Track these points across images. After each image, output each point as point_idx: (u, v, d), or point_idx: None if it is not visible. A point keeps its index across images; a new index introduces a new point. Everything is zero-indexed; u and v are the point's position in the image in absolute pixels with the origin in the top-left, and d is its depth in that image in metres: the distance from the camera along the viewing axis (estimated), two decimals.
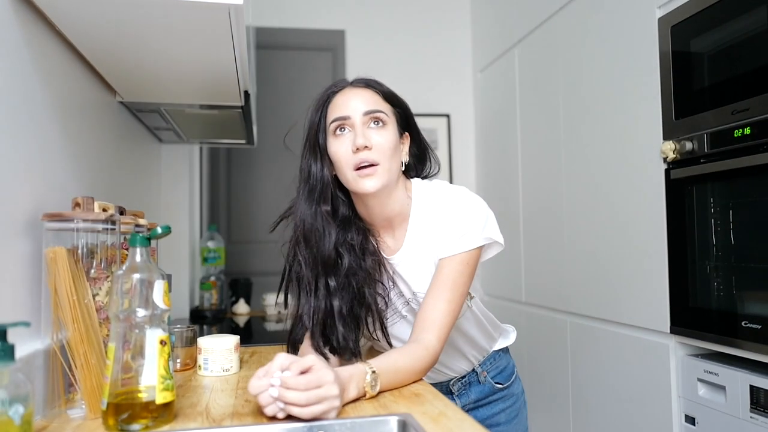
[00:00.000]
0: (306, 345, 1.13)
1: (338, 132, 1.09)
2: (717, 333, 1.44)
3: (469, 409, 1.28)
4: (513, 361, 1.35)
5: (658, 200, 1.63)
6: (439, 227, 1.10)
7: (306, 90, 2.59)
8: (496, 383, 1.28)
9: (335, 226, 1.11)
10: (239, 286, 2.49)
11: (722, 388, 1.43)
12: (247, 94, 1.59)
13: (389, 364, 0.97)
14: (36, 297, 0.93)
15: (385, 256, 1.15)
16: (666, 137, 1.60)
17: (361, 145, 1.05)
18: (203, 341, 1.18)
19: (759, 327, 1.32)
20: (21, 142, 0.93)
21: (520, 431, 1.31)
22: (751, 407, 1.35)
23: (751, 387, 1.35)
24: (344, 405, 0.87)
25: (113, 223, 0.98)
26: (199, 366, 1.18)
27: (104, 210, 1.01)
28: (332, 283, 1.10)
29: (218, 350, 1.17)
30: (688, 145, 1.51)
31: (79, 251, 0.94)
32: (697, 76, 1.52)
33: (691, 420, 1.54)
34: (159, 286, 0.83)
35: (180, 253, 2.28)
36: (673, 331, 1.58)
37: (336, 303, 1.09)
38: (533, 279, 2.43)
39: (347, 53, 3.09)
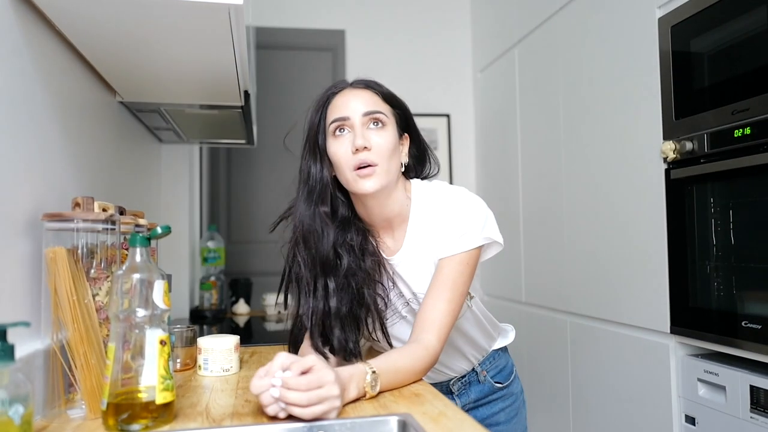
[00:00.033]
0: (306, 345, 1.13)
1: (338, 133, 1.09)
2: (717, 333, 1.44)
3: (468, 409, 1.28)
4: (512, 360, 1.35)
5: (658, 200, 1.63)
6: (439, 227, 1.10)
7: (306, 90, 2.59)
8: (495, 383, 1.29)
9: (334, 227, 1.11)
10: (239, 286, 2.49)
11: (722, 388, 1.43)
12: (247, 94, 1.59)
13: (389, 364, 0.97)
14: (36, 297, 0.93)
15: (384, 256, 1.15)
16: (666, 137, 1.60)
17: (361, 146, 1.05)
18: (203, 341, 1.18)
19: (759, 327, 1.32)
20: (21, 142, 0.93)
21: (519, 430, 1.31)
22: (751, 407, 1.35)
23: (751, 387, 1.35)
24: (344, 405, 0.87)
25: (113, 223, 0.98)
26: (199, 366, 1.18)
27: (104, 210, 1.01)
28: (331, 283, 1.10)
29: (218, 350, 1.17)
30: (688, 145, 1.51)
31: (79, 251, 0.94)
32: (697, 76, 1.52)
33: (691, 420, 1.54)
34: (159, 286, 0.83)
35: (180, 253, 2.28)
36: (673, 331, 1.58)
37: (335, 304, 1.09)
38: (533, 279, 2.43)
39: (347, 53, 3.09)
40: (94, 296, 0.93)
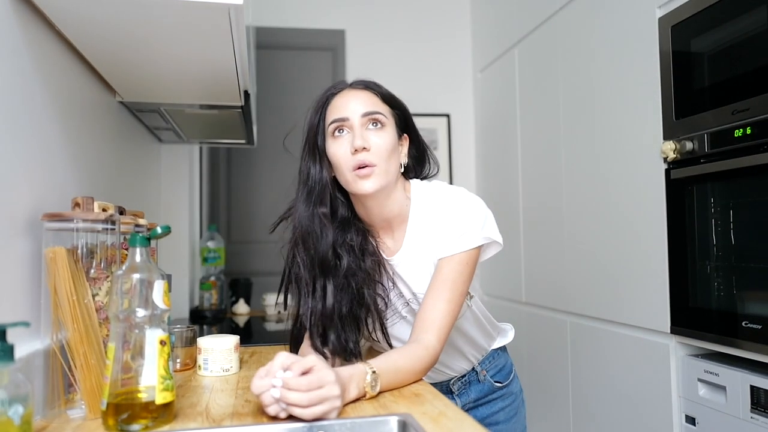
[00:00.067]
0: (306, 345, 1.14)
1: (337, 133, 1.09)
2: (717, 333, 1.44)
3: (468, 408, 1.28)
4: (511, 359, 1.36)
5: (658, 200, 1.63)
6: (438, 227, 1.10)
7: (306, 90, 2.59)
8: (495, 382, 1.29)
9: (332, 228, 1.11)
10: (239, 286, 2.49)
11: (722, 388, 1.43)
12: (247, 94, 1.59)
13: (389, 364, 0.97)
14: (36, 297, 0.93)
15: (384, 257, 1.15)
16: (666, 137, 1.60)
17: (360, 147, 1.05)
18: (203, 341, 1.18)
19: (759, 327, 1.32)
20: (21, 142, 0.93)
21: (518, 429, 1.32)
22: (751, 407, 1.35)
23: (752, 387, 1.35)
24: (344, 405, 0.87)
25: (113, 223, 0.98)
26: (199, 366, 1.18)
27: (104, 210, 1.01)
28: (330, 284, 1.10)
29: (218, 350, 1.17)
30: (689, 145, 1.51)
31: (79, 251, 0.94)
32: (697, 76, 1.52)
33: (691, 420, 1.54)
34: (159, 286, 0.83)
35: (180, 253, 2.28)
36: (673, 331, 1.58)
37: (334, 304, 1.10)
38: (533, 279, 2.43)
39: (347, 53, 3.09)
40: (94, 296, 0.93)
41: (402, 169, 1.15)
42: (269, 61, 2.99)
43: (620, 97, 1.83)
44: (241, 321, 2.20)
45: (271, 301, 2.33)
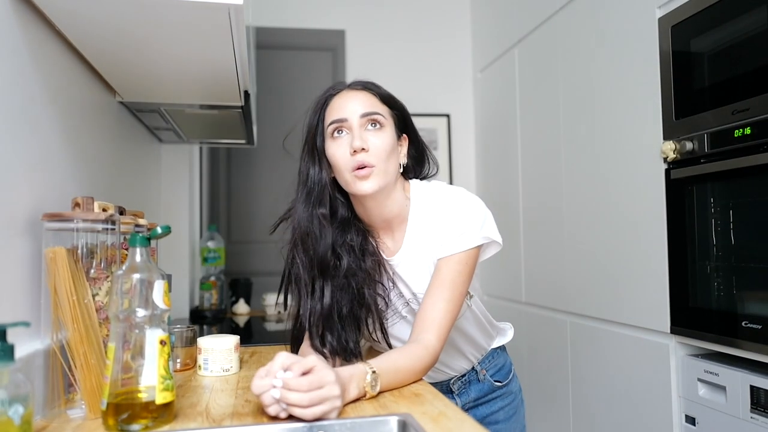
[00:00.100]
0: (306, 345, 1.14)
1: (336, 134, 1.09)
2: (717, 333, 1.44)
3: (468, 408, 1.28)
4: (510, 359, 1.36)
5: (658, 200, 1.63)
6: (438, 227, 1.10)
7: (306, 90, 2.59)
8: (495, 381, 1.29)
9: (331, 229, 1.12)
10: (239, 286, 2.49)
11: (722, 388, 1.43)
12: (247, 94, 1.59)
13: (389, 364, 0.97)
14: (36, 297, 0.93)
15: (384, 257, 1.16)
16: (666, 137, 1.60)
17: (358, 147, 1.05)
18: (203, 341, 1.18)
19: (759, 327, 1.32)
20: (21, 142, 0.93)
21: (518, 429, 1.32)
22: (751, 407, 1.35)
23: (752, 387, 1.35)
24: (344, 405, 0.87)
25: (113, 223, 0.98)
26: (199, 366, 1.18)
27: (104, 210, 1.01)
28: (329, 285, 1.10)
29: (218, 350, 1.17)
30: (688, 145, 1.51)
31: (79, 251, 0.94)
32: (697, 76, 1.52)
33: (691, 420, 1.54)
34: (159, 286, 0.83)
35: (180, 253, 2.28)
36: (673, 331, 1.58)
37: (334, 305, 1.10)
38: (533, 279, 2.43)
39: (347, 53, 3.09)
40: (94, 296, 0.93)
41: (401, 170, 1.15)
42: (269, 61, 2.99)
43: (620, 97, 1.83)
44: (241, 321, 2.20)
45: (271, 301, 2.34)
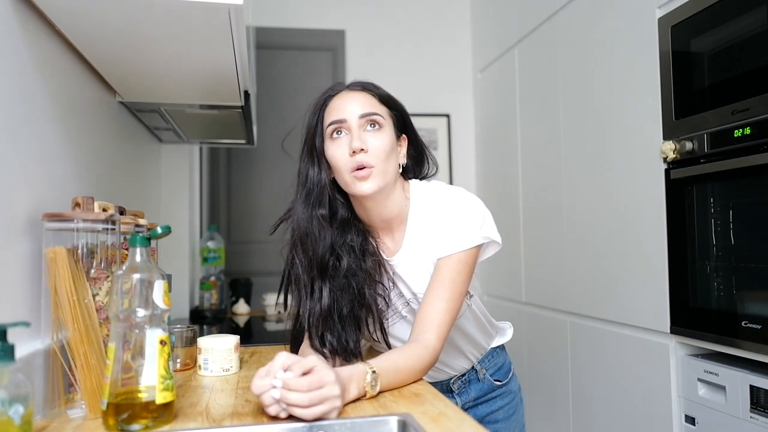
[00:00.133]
0: (306, 345, 1.14)
1: (335, 135, 1.09)
2: (717, 333, 1.44)
3: (468, 407, 1.28)
4: (509, 358, 1.36)
5: (658, 200, 1.63)
6: (437, 227, 1.10)
7: (306, 90, 2.59)
8: (494, 380, 1.29)
9: (330, 230, 1.12)
10: (239, 286, 2.49)
11: (722, 388, 1.43)
12: (247, 94, 1.59)
13: (389, 363, 0.97)
14: (36, 297, 0.93)
15: (384, 257, 1.16)
16: (666, 137, 1.60)
17: (357, 148, 1.05)
18: (203, 341, 1.18)
19: (759, 327, 1.32)
20: (21, 142, 0.93)
21: (517, 428, 1.32)
22: (751, 407, 1.35)
23: (751, 387, 1.35)
24: (344, 405, 0.87)
25: (113, 223, 0.98)
26: (199, 366, 1.18)
27: (104, 210, 1.01)
28: (328, 285, 1.10)
29: (218, 350, 1.17)
30: (688, 145, 1.51)
31: (79, 251, 0.94)
32: (697, 76, 1.52)
33: (691, 420, 1.54)
34: (159, 286, 0.83)
35: (180, 253, 2.28)
36: (673, 331, 1.58)
37: (333, 305, 1.10)
38: (533, 279, 2.43)
39: (347, 53, 3.09)
40: (94, 296, 0.94)
41: (401, 170, 1.15)
42: (269, 61, 2.99)
43: (620, 97, 1.83)
44: (241, 321, 2.20)
45: (271, 301, 2.34)
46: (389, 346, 1.15)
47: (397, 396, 0.95)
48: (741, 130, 1.36)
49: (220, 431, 0.81)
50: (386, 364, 0.96)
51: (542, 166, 2.35)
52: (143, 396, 0.80)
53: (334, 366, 1.02)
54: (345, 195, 1.15)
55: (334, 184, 1.14)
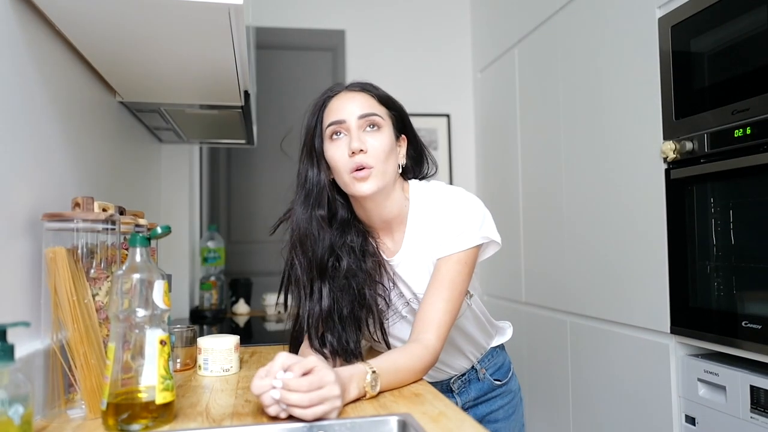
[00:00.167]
0: (306, 345, 1.14)
1: (334, 136, 1.09)
2: (717, 333, 1.44)
3: (468, 407, 1.28)
4: (509, 357, 1.36)
5: (658, 200, 1.63)
6: (437, 227, 1.10)
7: (306, 90, 2.59)
8: (494, 380, 1.29)
9: (330, 231, 1.12)
10: (239, 286, 2.49)
11: (722, 388, 1.43)
12: (247, 94, 1.59)
13: (389, 363, 0.97)
14: (36, 297, 0.93)
15: (384, 257, 1.16)
16: (666, 137, 1.60)
17: (357, 149, 1.05)
18: (203, 341, 1.18)
19: (759, 327, 1.32)
20: (21, 142, 0.93)
21: (517, 427, 1.32)
22: (751, 407, 1.35)
23: (752, 387, 1.35)
24: (345, 405, 0.87)
25: (113, 223, 0.98)
26: (199, 366, 1.18)
27: (104, 210, 1.01)
28: (327, 286, 1.10)
29: (218, 350, 1.17)
30: (688, 145, 1.51)
31: (79, 251, 0.94)
32: (697, 76, 1.52)
33: (691, 420, 1.54)
34: (159, 286, 0.83)
35: (180, 253, 2.28)
36: (673, 331, 1.58)
37: (333, 306, 1.10)
38: (533, 279, 2.43)
39: (347, 53, 3.09)
40: (94, 296, 0.93)
41: (400, 170, 1.15)
42: (269, 61, 2.99)
43: (620, 97, 1.83)
44: (241, 321, 2.20)
45: (271, 301, 2.34)
46: (389, 347, 1.15)
47: (397, 396, 0.95)
48: (741, 130, 1.36)
49: (220, 431, 0.81)
50: (386, 364, 0.96)
51: (542, 166, 2.35)
52: (143, 396, 0.80)
53: (334, 366, 1.02)
54: (345, 196, 1.15)
55: (334, 184, 1.14)
